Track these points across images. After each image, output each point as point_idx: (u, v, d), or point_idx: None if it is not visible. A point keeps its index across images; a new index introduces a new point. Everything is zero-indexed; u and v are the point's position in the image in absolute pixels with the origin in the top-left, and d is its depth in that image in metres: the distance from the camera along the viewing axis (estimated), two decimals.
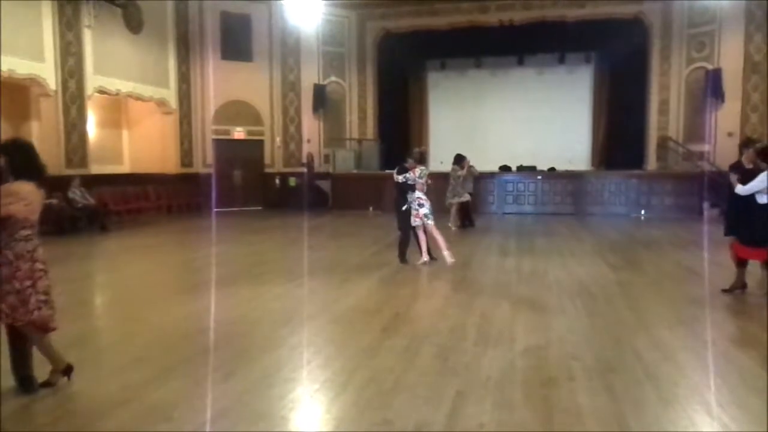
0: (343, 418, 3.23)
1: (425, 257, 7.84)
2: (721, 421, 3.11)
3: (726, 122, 14.77)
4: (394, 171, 8.11)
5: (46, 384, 3.60)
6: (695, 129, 15.49)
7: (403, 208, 7.88)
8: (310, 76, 17.42)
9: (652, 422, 3.11)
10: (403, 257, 7.94)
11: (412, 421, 3.14)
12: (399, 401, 3.41)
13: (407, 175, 7.88)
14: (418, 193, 7.87)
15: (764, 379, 3.68)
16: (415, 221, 7.82)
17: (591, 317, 5.27)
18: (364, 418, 3.19)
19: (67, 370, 3.68)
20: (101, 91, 13.54)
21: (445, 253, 7.75)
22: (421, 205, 7.84)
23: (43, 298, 3.49)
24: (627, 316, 5.29)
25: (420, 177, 7.86)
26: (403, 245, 7.99)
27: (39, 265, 3.49)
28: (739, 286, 6.00)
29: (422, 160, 8.04)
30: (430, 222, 7.82)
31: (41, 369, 3.63)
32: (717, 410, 3.22)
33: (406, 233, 7.98)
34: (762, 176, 5.63)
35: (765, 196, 5.66)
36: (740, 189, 5.79)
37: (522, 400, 3.42)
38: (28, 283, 3.42)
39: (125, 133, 15.93)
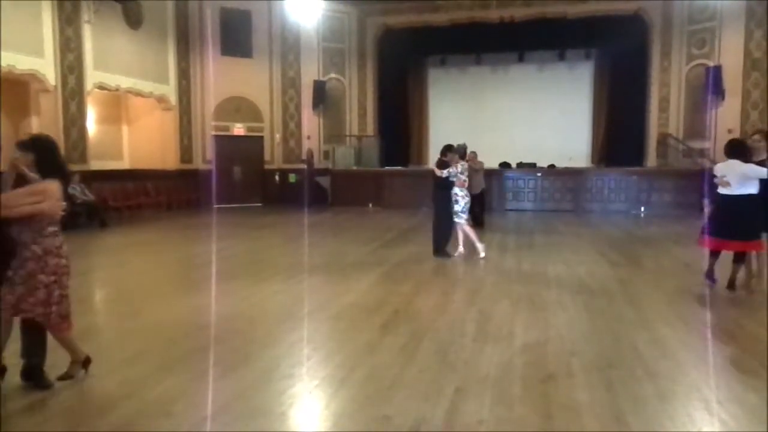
0: (342, 414, 3.23)
1: (480, 246, 8.04)
2: (720, 417, 3.12)
3: (726, 119, 14.75)
4: (434, 165, 8.17)
5: (66, 377, 3.64)
6: (695, 126, 15.47)
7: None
8: (310, 73, 17.40)
9: (650, 419, 3.11)
10: (438, 251, 8.08)
11: (411, 417, 3.14)
12: (398, 397, 3.41)
13: (450, 170, 7.95)
14: (455, 189, 7.98)
15: (762, 377, 3.69)
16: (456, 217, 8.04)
17: (590, 314, 5.28)
18: (363, 414, 3.20)
19: (86, 362, 3.74)
20: (101, 87, 13.52)
21: (479, 245, 8.02)
22: (456, 202, 7.98)
23: (64, 293, 3.59)
24: (626, 313, 5.29)
25: (462, 173, 7.94)
26: (439, 239, 8.11)
27: (64, 261, 3.59)
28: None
29: (465, 155, 8.15)
30: (460, 220, 8.02)
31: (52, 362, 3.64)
32: (716, 407, 3.23)
33: (440, 228, 8.10)
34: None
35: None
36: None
37: (521, 397, 3.43)
38: (53, 278, 3.51)
39: (125, 129, 15.90)
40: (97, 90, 13.46)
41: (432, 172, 8.21)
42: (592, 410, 3.21)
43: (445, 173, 7.93)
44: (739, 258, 5.96)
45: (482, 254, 7.96)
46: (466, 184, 8.10)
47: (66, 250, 3.62)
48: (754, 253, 5.97)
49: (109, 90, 13.90)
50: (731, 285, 5.99)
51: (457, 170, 7.95)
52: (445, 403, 3.30)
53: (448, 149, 8.18)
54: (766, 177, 5.63)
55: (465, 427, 3.04)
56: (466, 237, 8.14)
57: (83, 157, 12.97)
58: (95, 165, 13.36)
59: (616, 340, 4.49)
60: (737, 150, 5.93)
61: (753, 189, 5.73)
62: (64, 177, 3.68)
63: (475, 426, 3.05)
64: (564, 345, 4.37)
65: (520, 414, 3.19)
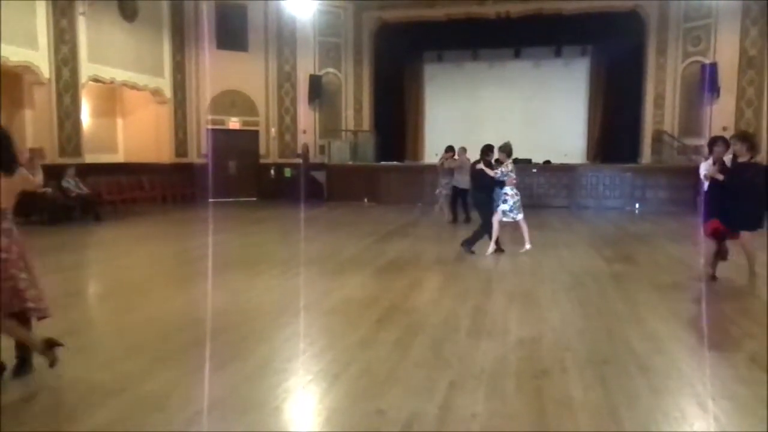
0: (336, 409, 3.23)
1: (492, 247, 8.02)
2: (713, 412, 3.13)
3: (721, 117, 14.78)
4: (479, 164, 8.10)
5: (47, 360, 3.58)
6: (690, 123, 15.53)
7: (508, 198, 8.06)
8: (306, 67, 17.33)
9: (644, 414, 3.13)
10: (465, 245, 8.02)
11: (405, 411, 3.14)
12: (392, 392, 3.42)
13: (502, 169, 7.98)
14: (506, 188, 8.01)
15: (755, 372, 3.71)
16: (497, 215, 8.02)
17: (584, 309, 5.30)
18: (357, 409, 3.20)
19: (51, 344, 3.62)
20: (95, 80, 13.44)
21: (527, 245, 8.10)
22: (504, 201, 8.01)
23: (15, 285, 3.48)
24: (620, 309, 5.31)
25: (512, 171, 8.01)
26: (475, 236, 8.07)
27: (3, 255, 3.47)
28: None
29: (511, 153, 8.17)
30: (509, 218, 8.04)
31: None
32: (708, 402, 3.25)
33: (487, 225, 8.05)
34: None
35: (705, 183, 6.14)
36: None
37: (514, 391, 3.43)
38: None
39: (119, 122, 15.83)
40: (91, 83, 13.39)
41: (478, 172, 8.07)
42: (585, 405, 3.23)
43: (498, 173, 7.93)
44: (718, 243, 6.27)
45: (489, 252, 7.98)
46: (515, 182, 8.11)
47: (7, 242, 3.48)
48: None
49: (103, 83, 13.83)
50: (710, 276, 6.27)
51: (508, 169, 7.98)
52: (439, 398, 3.31)
53: (489, 149, 8.21)
54: (702, 175, 6.07)
55: (458, 421, 3.05)
56: (523, 230, 8.19)
57: (77, 151, 12.91)
58: (90, 158, 13.30)
59: (609, 336, 4.50)
60: (708, 146, 6.28)
61: (704, 187, 6.11)
62: (7, 170, 3.50)
63: (468, 420, 3.06)
64: (558, 340, 4.38)
65: (514, 409, 3.20)
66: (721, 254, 6.29)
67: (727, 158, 6.10)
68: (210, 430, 2.96)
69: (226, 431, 2.97)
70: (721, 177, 5.91)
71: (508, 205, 8.02)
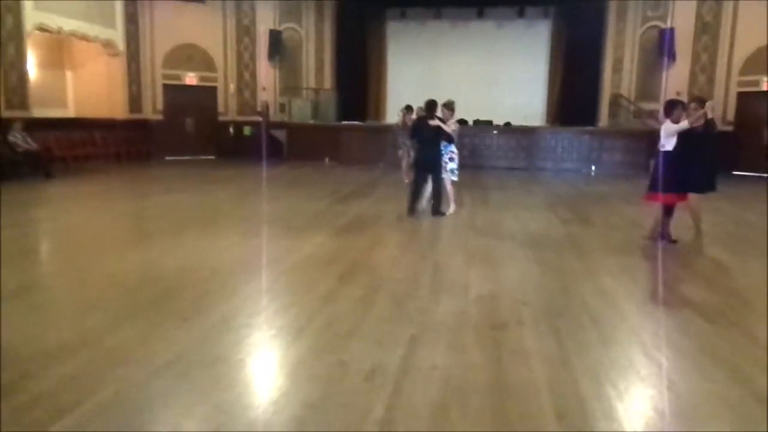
0: (299, 362, 3.29)
1: (453, 207, 8.06)
2: (656, 360, 3.33)
3: (675, 81, 15.16)
4: (432, 120, 7.73)
5: None
6: (647, 87, 15.88)
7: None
8: (266, 21, 16.82)
9: (594, 362, 3.30)
10: (412, 210, 7.91)
11: (367, 363, 3.23)
12: (355, 345, 3.49)
13: (452, 126, 7.85)
14: (452, 147, 7.95)
15: (699, 325, 3.96)
16: (445, 174, 7.95)
17: (541, 267, 5.48)
18: (320, 361, 3.27)
19: None
20: (41, 29, 12.70)
21: (452, 205, 8.08)
22: (452, 159, 7.97)
23: None
24: (575, 266, 5.51)
25: (456, 130, 7.94)
26: (415, 197, 7.97)
27: None
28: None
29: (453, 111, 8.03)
30: (454, 176, 8.04)
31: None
32: (653, 351, 3.45)
33: (420, 186, 7.99)
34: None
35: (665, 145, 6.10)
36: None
37: (473, 343, 3.56)
38: None
39: (69, 75, 15.09)
40: (37, 32, 12.66)
41: (433, 129, 7.70)
42: (539, 355, 3.38)
43: (455, 128, 7.84)
44: (667, 211, 6.32)
45: (450, 211, 7.99)
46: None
47: None
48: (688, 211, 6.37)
49: (50, 32, 13.09)
50: (663, 236, 6.28)
51: (455, 127, 7.91)
52: (400, 350, 3.40)
53: (434, 105, 7.90)
54: (679, 130, 5.95)
55: (419, 371, 3.15)
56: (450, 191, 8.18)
57: (24, 104, 12.28)
58: (37, 112, 12.67)
59: (564, 291, 4.69)
60: (666, 110, 6.30)
61: (669, 146, 6.06)
62: None
63: (428, 371, 3.16)
64: (515, 296, 4.54)
65: (473, 359, 3.33)
66: (665, 232, 6.39)
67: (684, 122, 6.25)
68: (175, 383, 2.98)
69: (191, 383, 2.99)
70: (701, 121, 5.97)
71: (455, 163, 8.05)
